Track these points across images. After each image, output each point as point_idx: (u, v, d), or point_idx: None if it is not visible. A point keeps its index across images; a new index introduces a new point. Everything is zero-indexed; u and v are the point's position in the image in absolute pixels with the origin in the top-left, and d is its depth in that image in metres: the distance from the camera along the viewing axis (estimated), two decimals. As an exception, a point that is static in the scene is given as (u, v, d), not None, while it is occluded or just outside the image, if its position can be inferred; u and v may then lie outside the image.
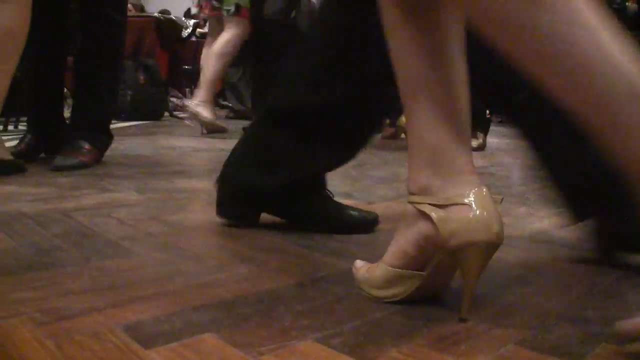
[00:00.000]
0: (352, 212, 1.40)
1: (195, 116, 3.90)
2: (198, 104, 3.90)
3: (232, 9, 3.95)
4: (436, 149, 0.87)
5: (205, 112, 3.88)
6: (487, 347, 0.76)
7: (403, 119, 3.58)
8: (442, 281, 0.92)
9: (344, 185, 2.06)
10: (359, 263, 0.98)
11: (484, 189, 0.84)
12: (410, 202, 0.89)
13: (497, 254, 1.13)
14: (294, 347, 0.73)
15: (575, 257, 1.26)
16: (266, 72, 3.55)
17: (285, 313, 0.85)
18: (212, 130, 3.91)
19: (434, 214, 0.84)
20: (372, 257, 0.97)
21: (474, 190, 0.83)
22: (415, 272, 0.88)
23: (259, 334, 0.77)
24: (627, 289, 1.07)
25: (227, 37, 3.96)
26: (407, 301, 0.89)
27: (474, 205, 0.82)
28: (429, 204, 0.85)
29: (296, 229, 1.33)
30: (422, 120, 0.88)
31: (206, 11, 4.24)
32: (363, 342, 0.75)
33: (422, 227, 0.86)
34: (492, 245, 0.84)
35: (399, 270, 0.89)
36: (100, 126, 2.36)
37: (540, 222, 1.60)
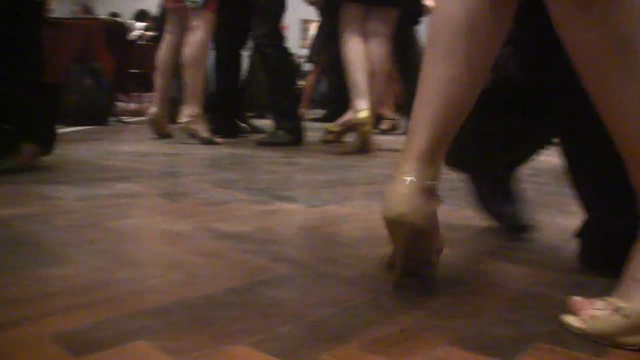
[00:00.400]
0: None
1: (194, 134, 3.62)
2: (190, 120, 3.61)
3: (200, 0, 3.54)
4: None
5: (201, 129, 3.63)
6: (420, 349, 0.77)
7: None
8: None
9: (287, 189, 2.06)
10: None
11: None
12: None
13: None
14: (227, 352, 0.73)
15: (511, 258, 1.27)
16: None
17: (220, 318, 0.84)
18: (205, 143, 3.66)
19: None
20: (313, 261, 0.97)
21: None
22: None
23: (192, 340, 0.76)
24: (561, 289, 1.09)
25: (197, 38, 3.57)
26: (343, 304, 0.90)
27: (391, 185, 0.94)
28: None
29: (234, 232, 1.33)
30: None
31: (169, 4, 3.78)
32: (296, 346, 0.75)
33: None
34: (393, 223, 0.94)
35: None
36: None
37: (478, 222, 1.62)
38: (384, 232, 1.32)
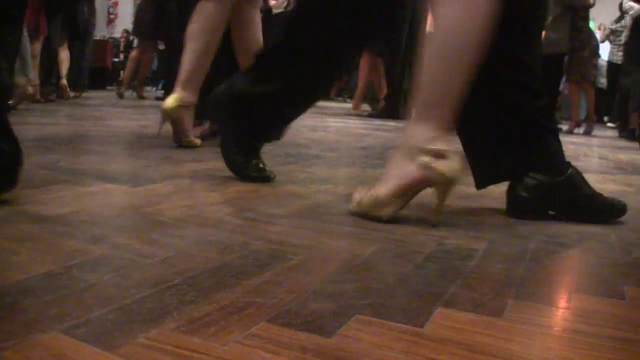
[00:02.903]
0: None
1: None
2: None
3: None
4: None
5: None
6: (238, 327, 0.77)
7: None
8: None
9: (111, 169, 2.01)
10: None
11: None
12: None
13: (254, 232, 1.16)
14: (36, 340, 0.70)
15: (336, 232, 1.31)
16: None
17: (32, 305, 0.81)
18: None
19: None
20: (132, 242, 0.95)
21: None
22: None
23: (1, 329, 0.73)
24: (384, 261, 1.13)
25: None
26: (160, 285, 0.89)
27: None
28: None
29: (52, 215, 1.28)
30: None
31: None
32: (110, 329, 0.74)
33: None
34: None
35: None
36: None
37: (305, 199, 1.65)
38: (205, 210, 1.32)
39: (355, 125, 5.16)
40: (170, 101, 2.63)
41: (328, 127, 4.85)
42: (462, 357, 0.75)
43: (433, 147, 1.37)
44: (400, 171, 1.41)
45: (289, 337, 0.76)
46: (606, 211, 1.65)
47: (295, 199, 1.65)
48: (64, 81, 6.23)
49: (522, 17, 1.61)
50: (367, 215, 1.45)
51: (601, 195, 1.66)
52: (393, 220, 1.42)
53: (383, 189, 1.43)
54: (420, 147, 1.38)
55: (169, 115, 2.65)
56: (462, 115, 1.42)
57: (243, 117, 1.84)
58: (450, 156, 1.38)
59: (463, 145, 1.71)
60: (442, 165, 1.37)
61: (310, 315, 0.84)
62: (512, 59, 1.61)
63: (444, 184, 1.39)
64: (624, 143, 5.69)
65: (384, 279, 1.02)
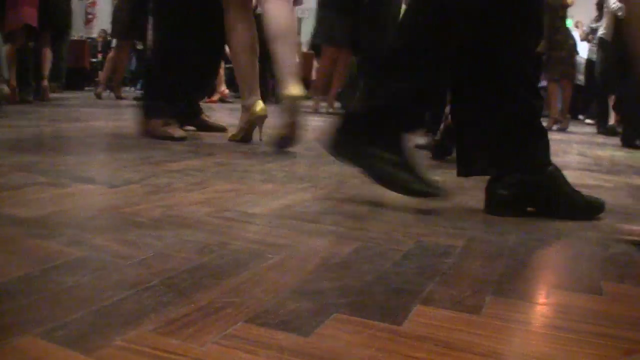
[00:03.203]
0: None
1: None
2: None
3: None
4: None
5: None
6: (215, 327, 0.77)
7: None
8: None
9: (89, 170, 2.00)
10: None
11: None
12: None
13: (233, 231, 1.16)
14: (12, 344, 0.70)
15: (315, 231, 1.31)
16: None
17: (9, 308, 0.80)
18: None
19: None
20: (110, 243, 0.95)
21: None
22: None
23: (-24, 334, 0.73)
24: (363, 259, 1.13)
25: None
26: (138, 286, 0.89)
27: None
28: None
29: (29, 217, 1.27)
30: None
31: None
32: (87, 332, 0.74)
33: None
34: None
35: None
36: None
37: (284, 198, 1.65)
38: (183, 210, 1.32)
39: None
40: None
41: (307, 125, 4.84)
42: (439, 355, 0.75)
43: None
44: None
45: (266, 336, 0.76)
46: (585, 210, 1.66)
47: (275, 198, 1.65)
48: (46, 82, 6.18)
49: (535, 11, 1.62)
50: None
51: (580, 193, 1.67)
52: (372, 218, 1.43)
53: None
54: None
55: None
56: (461, 102, 1.42)
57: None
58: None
59: (456, 131, 1.73)
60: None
61: (288, 314, 0.84)
62: (524, 54, 1.64)
63: None
64: (602, 139, 5.73)
65: (363, 278, 1.02)
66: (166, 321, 0.78)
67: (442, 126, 2.83)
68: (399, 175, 1.61)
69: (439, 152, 2.88)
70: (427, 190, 1.62)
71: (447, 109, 2.73)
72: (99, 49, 12.58)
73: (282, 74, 2.83)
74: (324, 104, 7.14)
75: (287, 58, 2.83)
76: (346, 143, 1.65)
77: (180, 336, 0.74)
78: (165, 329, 0.76)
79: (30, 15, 5.21)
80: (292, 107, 2.83)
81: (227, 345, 0.73)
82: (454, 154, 2.70)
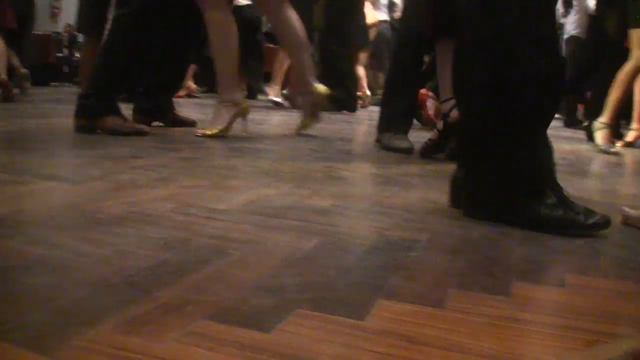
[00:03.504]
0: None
1: None
2: None
3: None
4: None
5: None
6: (176, 325, 0.77)
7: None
8: None
9: (51, 166, 1.98)
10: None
11: None
12: None
13: (195, 227, 1.16)
14: (-32, 346, 0.69)
15: (278, 226, 1.31)
16: None
17: (-35, 310, 0.80)
18: None
19: None
20: (71, 241, 0.94)
21: None
22: None
23: None
24: (326, 254, 1.13)
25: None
26: (98, 284, 0.88)
27: None
28: None
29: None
30: None
31: None
32: (45, 333, 0.73)
33: None
34: None
35: None
36: None
37: (248, 193, 1.65)
38: (146, 206, 1.31)
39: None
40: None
41: (271, 120, 4.84)
42: (403, 349, 0.75)
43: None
44: None
45: (227, 333, 0.75)
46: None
47: (239, 193, 1.64)
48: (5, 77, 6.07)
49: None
50: None
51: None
52: (336, 213, 1.42)
53: None
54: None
55: None
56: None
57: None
58: None
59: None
60: None
61: (250, 311, 0.83)
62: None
63: None
64: (569, 133, 5.79)
65: (325, 272, 1.02)
66: (126, 319, 0.77)
67: (439, 124, 2.74)
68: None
69: (431, 150, 2.81)
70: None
71: (443, 106, 2.70)
72: (65, 43, 12.43)
73: (307, 76, 3.38)
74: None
75: (308, 63, 3.38)
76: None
77: (140, 334, 0.73)
78: (125, 327, 0.75)
79: None
80: (320, 102, 3.47)
81: (188, 343, 0.72)
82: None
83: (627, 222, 1.55)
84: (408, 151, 2.92)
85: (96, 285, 0.89)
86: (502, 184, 1.50)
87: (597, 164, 3.38)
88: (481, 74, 1.48)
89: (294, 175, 2.05)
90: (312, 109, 3.49)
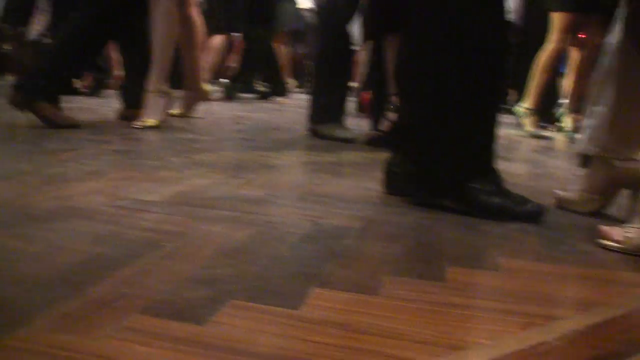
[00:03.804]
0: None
1: None
2: None
3: None
4: None
5: None
6: (110, 321, 0.76)
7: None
8: None
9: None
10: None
11: None
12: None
13: (127, 220, 1.14)
14: None
15: (211, 217, 1.30)
16: None
17: None
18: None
19: None
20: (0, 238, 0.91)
21: None
22: None
23: None
24: (260, 243, 1.13)
25: None
26: (28, 281, 0.87)
27: None
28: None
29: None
30: None
31: None
32: (-26, 333, 0.71)
33: None
34: None
35: None
36: None
37: (180, 184, 1.63)
38: (77, 200, 1.29)
39: (234, 108, 5.12)
40: None
41: (206, 110, 4.80)
42: (337, 337, 0.76)
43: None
44: None
45: (160, 327, 0.75)
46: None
47: (171, 184, 1.63)
48: None
49: None
50: None
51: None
52: (269, 202, 1.42)
53: None
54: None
55: None
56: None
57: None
58: None
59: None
60: None
61: (184, 303, 0.83)
62: None
63: None
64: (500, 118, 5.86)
65: (259, 262, 1.02)
66: (58, 316, 0.76)
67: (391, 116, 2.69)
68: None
69: (380, 141, 2.74)
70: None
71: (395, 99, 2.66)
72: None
73: (197, 73, 3.55)
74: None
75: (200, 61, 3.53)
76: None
77: (74, 331, 0.72)
78: (57, 325, 0.74)
79: None
80: (202, 100, 3.67)
81: (122, 338, 0.72)
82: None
83: (560, 204, 1.61)
84: (352, 141, 2.93)
85: (27, 283, 0.87)
86: (450, 164, 1.53)
87: (529, 148, 3.45)
88: (434, 53, 1.49)
89: (227, 166, 2.04)
90: (192, 103, 3.69)
